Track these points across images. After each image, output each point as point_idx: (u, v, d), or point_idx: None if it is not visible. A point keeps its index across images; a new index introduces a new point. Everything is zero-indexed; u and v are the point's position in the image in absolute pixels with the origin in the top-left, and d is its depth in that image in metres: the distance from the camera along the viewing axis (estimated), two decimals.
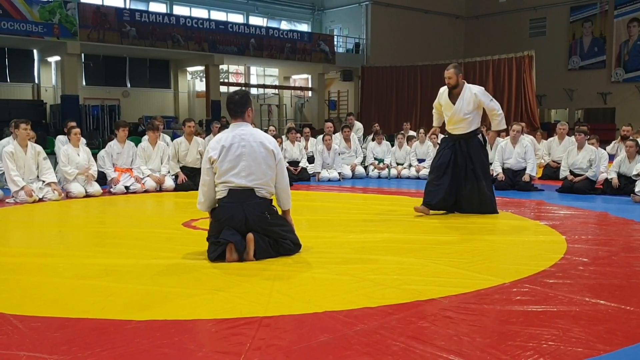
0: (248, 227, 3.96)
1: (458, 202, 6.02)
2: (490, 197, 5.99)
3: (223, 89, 21.27)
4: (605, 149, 9.66)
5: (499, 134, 6.25)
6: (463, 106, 5.90)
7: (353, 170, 10.59)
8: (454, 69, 5.95)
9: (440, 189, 5.90)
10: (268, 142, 4.13)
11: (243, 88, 22.23)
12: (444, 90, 6.09)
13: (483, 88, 6.11)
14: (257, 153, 4.05)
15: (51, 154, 9.15)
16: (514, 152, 8.55)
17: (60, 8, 16.71)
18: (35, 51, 19.21)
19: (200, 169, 4.34)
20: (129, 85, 21.32)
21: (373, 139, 11.59)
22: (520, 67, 20.18)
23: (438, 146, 6.31)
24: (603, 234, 5.05)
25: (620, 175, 7.72)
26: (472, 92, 5.90)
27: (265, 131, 7.61)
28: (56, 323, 2.72)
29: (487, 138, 6.35)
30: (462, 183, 5.94)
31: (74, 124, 8.82)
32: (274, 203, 4.25)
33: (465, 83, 6.00)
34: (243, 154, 4.03)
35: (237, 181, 4.01)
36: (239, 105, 4.17)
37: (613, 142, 11.28)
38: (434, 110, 6.36)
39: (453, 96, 5.99)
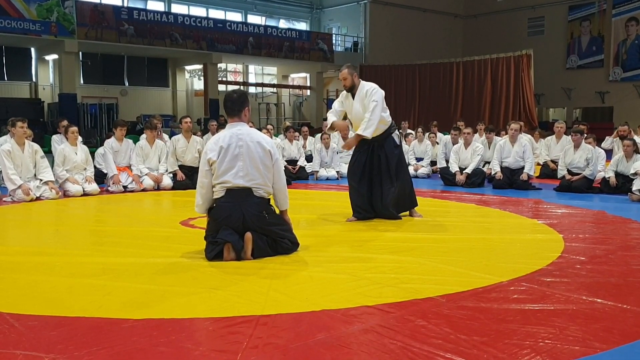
0: (246, 227, 3.95)
1: (376, 207, 5.58)
2: (409, 191, 5.63)
3: (221, 87, 21.29)
4: (600, 146, 9.66)
5: (359, 139, 5.45)
6: (361, 107, 5.46)
7: None
8: (347, 69, 5.51)
9: (362, 199, 5.53)
10: (265, 142, 4.12)
11: (241, 87, 22.23)
12: (346, 95, 5.63)
13: (377, 86, 5.53)
14: (254, 153, 4.04)
15: (48, 152, 9.12)
16: (512, 151, 8.54)
17: (57, 6, 16.70)
18: (32, 49, 19.19)
19: (198, 167, 4.33)
20: (127, 83, 21.30)
21: None
22: (519, 66, 20.22)
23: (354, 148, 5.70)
24: (600, 232, 5.05)
25: (617, 174, 7.73)
26: (364, 90, 5.46)
27: (260, 130, 7.61)
28: (53, 322, 2.72)
29: (402, 136, 5.64)
30: (378, 187, 5.52)
31: (65, 122, 8.81)
32: (272, 202, 4.24)
33: (362, 82, 5.55)
34: (240, 154, 4.02)
35: (234, 181, 4.00)
36: (236, 104, 4.16)
37: (608, 137, 11.28)
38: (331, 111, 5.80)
39: (353, 98, 5.56)
